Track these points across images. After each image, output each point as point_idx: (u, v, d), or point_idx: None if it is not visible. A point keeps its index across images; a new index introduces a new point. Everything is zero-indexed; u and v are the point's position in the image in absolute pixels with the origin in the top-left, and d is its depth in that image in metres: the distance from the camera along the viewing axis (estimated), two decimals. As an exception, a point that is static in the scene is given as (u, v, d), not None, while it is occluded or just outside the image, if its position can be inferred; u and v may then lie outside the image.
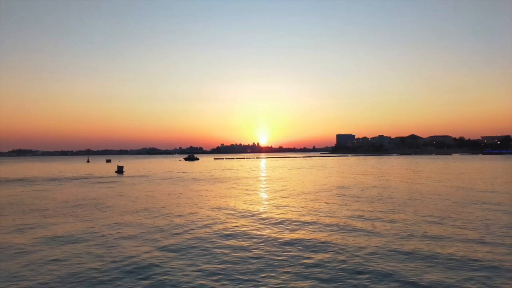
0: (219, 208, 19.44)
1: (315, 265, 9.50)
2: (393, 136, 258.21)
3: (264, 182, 37.04)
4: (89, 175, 51.44)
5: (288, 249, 11.10)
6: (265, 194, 26.36)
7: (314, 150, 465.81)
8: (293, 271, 9.07)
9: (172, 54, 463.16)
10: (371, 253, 10.39)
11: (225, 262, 9.92)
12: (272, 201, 22.13)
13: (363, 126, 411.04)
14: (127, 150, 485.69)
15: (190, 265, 9.68)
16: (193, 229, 14.16)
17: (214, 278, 8.66)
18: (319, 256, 10.29)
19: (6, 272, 9.29)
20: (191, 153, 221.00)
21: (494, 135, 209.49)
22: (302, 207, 19.39)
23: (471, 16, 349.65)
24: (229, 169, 65.94)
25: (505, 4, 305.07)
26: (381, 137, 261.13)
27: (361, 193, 25.18)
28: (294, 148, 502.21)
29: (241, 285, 8.19)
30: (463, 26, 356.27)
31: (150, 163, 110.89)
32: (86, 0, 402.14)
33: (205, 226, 14.81)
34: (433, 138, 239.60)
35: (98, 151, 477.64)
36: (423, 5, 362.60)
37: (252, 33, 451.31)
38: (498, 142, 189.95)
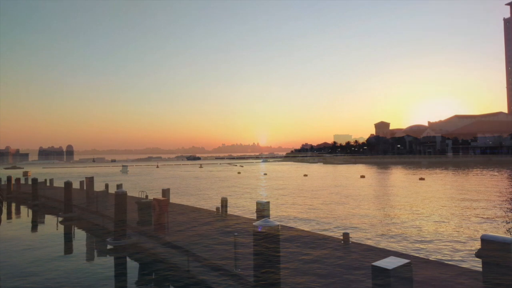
0: (221, 206, 19.71)
1: (313, 261, 9.81)
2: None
3: (264, 181, 37.35)
4: (95, 174, 51.64)
5: (287, 246, 11.41)
6: (265, 192, 26.68)
7: (312, 149, 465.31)
8: (292, 267, 9.38)
9: (175, 57, 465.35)
10: (367, 249, 10.70)
11: (226, 258, 10.23)
12: (271, 199, 22.45)
13: (360, 127, 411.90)
14: (132, 150, 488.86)
15: (192, 261, 9.99)
16: (195, 226, 14.46)
17: (216, 273, 8.97)
18: (317, 253, 10.61)
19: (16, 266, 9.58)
20: (194, 153, 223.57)
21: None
22: (300, 205, 19.71)
23: (465, 19, 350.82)
24: (230, 170, 66.24)
25: (498, 7, 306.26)
26: (376, 137, 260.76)
27: (357, 191, 25.50)
28: (293, 148, 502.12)
29: (241, 281, 8.49)
30: (456, 30, 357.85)
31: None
32: (92, 4, 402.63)
33: (207, 223, 15.12)
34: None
35: (104, 150, 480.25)
36: (418, 8, 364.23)
37: (252, 37, 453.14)
38: None
